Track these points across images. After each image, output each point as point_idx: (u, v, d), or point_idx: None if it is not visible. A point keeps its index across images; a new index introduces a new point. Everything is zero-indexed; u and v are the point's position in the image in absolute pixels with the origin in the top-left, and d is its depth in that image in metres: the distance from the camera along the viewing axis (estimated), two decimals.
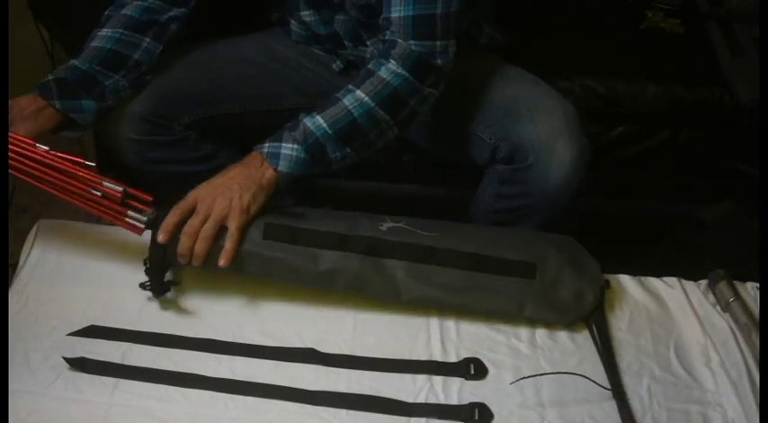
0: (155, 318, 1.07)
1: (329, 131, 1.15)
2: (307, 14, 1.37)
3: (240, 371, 1.02)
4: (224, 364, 1.02)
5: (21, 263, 1.13)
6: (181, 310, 1.09)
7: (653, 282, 1.18)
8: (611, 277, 1.16)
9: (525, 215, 1.32)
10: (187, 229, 1.06)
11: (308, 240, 1.08)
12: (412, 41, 1.16)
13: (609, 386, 1.02)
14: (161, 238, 1.05)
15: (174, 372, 1.01)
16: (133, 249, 1.15)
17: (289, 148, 1.14)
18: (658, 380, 1.05)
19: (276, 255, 1.08)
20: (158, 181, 1.37)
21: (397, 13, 1.17)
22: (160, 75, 1.29)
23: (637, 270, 1.19)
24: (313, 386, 1.00)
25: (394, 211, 1.17)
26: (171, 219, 1.06)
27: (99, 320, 1.06)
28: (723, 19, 1.73)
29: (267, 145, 1.15)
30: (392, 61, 1.17)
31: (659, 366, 1.06)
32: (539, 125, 1.24)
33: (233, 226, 1.06)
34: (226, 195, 1.08)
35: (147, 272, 1.08)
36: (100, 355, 1.01)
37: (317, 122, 1.15)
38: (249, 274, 1.09)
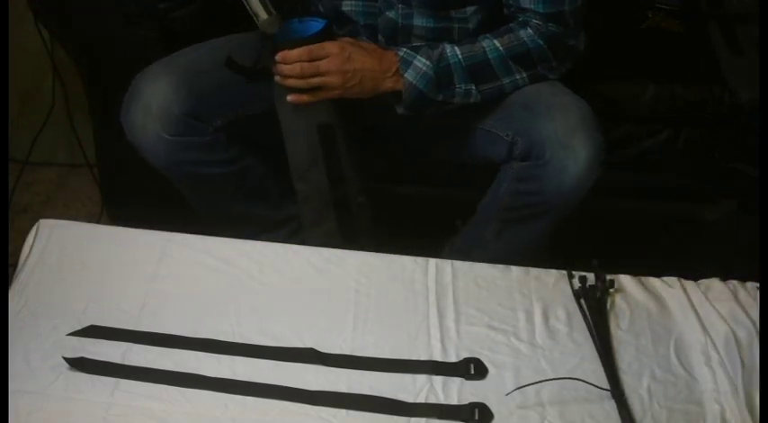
0: (155, 318, 1.07)
1: (462, 62, 1.26)
2: (348, 4, 1.36)
3: (240, 371, 1.01)
4: (224, 364, 1.02)
5: (21, 263, 1.13)
6: (181, 310, 1.09)
7: (653, 282, 1.18)
8: (612, 277, 1.16)
9: (539, 212, 1.32)
10: (306, 69, 1.19)
11: None
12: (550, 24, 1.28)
13: (608, 386, 1.02)
14: (279, 57, 1.19)
15: (174, 372, 1.01)
16: (134, 249, 1.15)
17: (421, 62, 1.24)
18: (658, 380, 1.05)
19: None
20: (182, 181, 1.37)
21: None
22: (196, 75, 1.29)
23: (637, 270, 1.19)
24: (313, 386, 1.00)
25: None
26: (298, 54, 1.19)
27: (99, 320, 1.06)
28: (723, 19, 1.73)
29: (404, 50, 1.25)
30: (530, 30, 1.28)
31: (659, 366, 1.06)
32: (556, 122, 1.26)
33: (328, 94, 1.21)
34: (346, 76, 1.21)
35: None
36: (100, 355, 1.01)
37: (453, 51, 1.26)
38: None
